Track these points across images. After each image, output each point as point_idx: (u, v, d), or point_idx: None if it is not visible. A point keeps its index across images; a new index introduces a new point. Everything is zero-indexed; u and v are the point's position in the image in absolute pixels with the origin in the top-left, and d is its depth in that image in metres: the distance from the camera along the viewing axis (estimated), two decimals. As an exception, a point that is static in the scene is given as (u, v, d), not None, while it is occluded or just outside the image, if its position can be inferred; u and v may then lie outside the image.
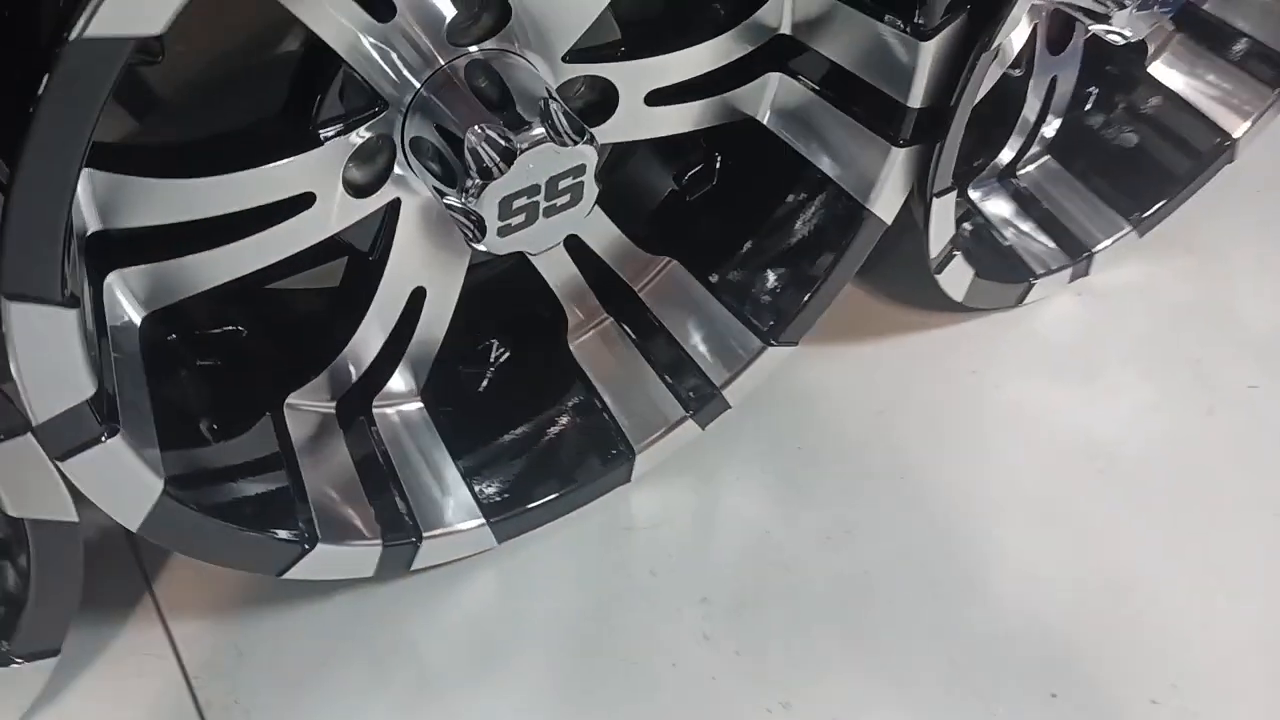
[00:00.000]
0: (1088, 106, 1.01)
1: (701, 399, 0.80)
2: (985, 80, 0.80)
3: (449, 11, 0.59)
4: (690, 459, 0.82)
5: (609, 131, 0.69)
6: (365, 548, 0.69)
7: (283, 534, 0.64)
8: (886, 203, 0.74)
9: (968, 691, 0.73)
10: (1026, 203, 1.00)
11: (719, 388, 0.80)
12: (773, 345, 0.79)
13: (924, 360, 0.93)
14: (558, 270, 0.77)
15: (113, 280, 0.57)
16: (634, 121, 0.70)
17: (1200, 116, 0.99)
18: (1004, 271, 0.93)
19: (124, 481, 0.52)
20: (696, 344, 0.81)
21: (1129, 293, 0.99)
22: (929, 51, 0.65)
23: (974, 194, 0.98)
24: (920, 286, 0.91)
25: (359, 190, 0.63)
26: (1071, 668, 0.74)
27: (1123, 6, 0.77)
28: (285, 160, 0.58)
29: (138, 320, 0.60)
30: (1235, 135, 0.97)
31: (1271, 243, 1.03)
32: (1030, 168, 1.01)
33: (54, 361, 0.48)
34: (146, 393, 0.57)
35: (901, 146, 0.70)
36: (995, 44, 0.64)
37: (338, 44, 0.57)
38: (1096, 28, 0.80)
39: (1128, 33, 0.80)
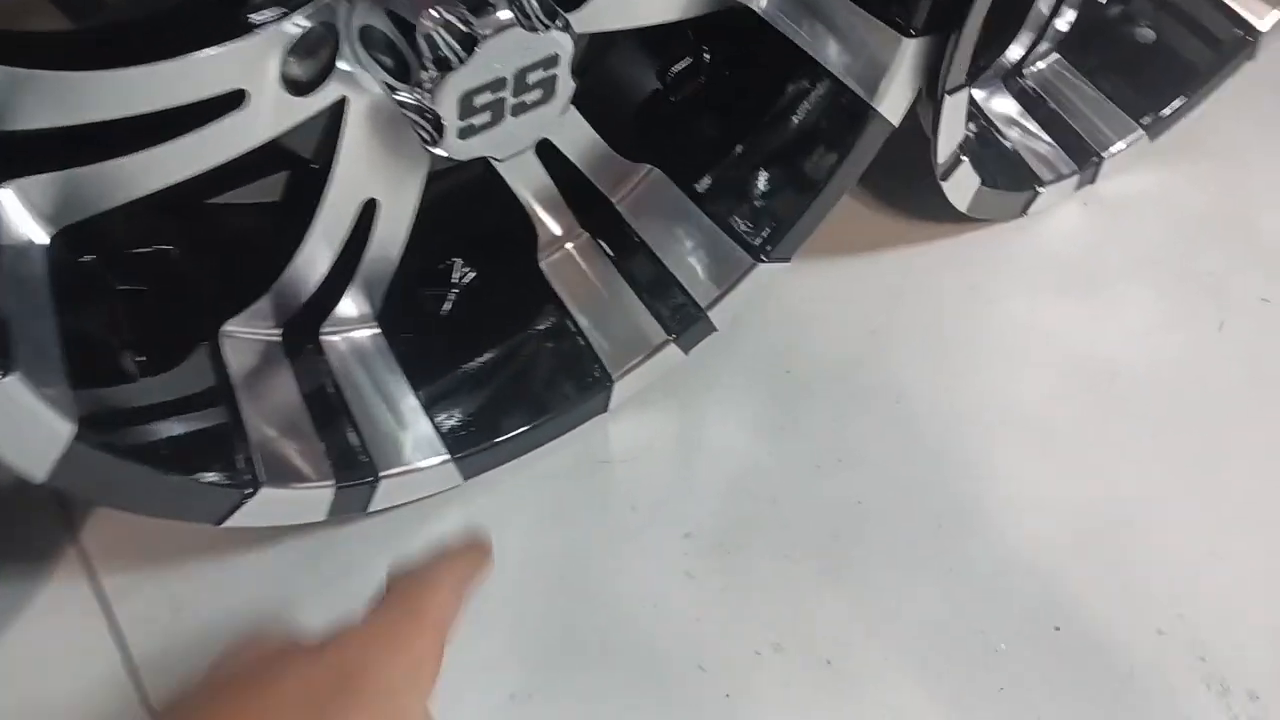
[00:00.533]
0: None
1: (685, 321, 0.73)
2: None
3: None
4: (672, 386, 0.76)
5: (585, 19, 0.60)
6: (315, 490, 0.62)
7: (220, 478, 0.57)
8: (894, 101, 0.66)
9: (967, 627, 0.69)
10: (1033, 104, 0.93)
11: (704, 309, 0.73)
12: (764, 261, 0.72)
13: (920, 275, 0.86)
14: (527, 179, 0.69)
15: (9, 192, 0.49)
16: (612, 7, 0.61)
17: (1223, 7, 0.92)
18: (1009, 179, 0.86)
19: (23, 426, 0.45)
20: (680, 261, 0.74)
21: (1139, 201, 0.93)
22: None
23: (978, 94, 0.91)
24: (917, 195, 0.84)
25: (299, 87, 0.55)
26: (1075, 600, 0.70)
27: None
28: (210, 50, 0.49)
29: (44, 239, 0.52)
30: (1260, 29, 0.90)
31: (1285, 144, 0.97)
32: (1039, 65, 0.94)
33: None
34: (54, 323, 0.49)
35: (913, 36, 0.62)
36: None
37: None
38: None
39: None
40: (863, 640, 0.67)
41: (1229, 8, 0.90)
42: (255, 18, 0.50)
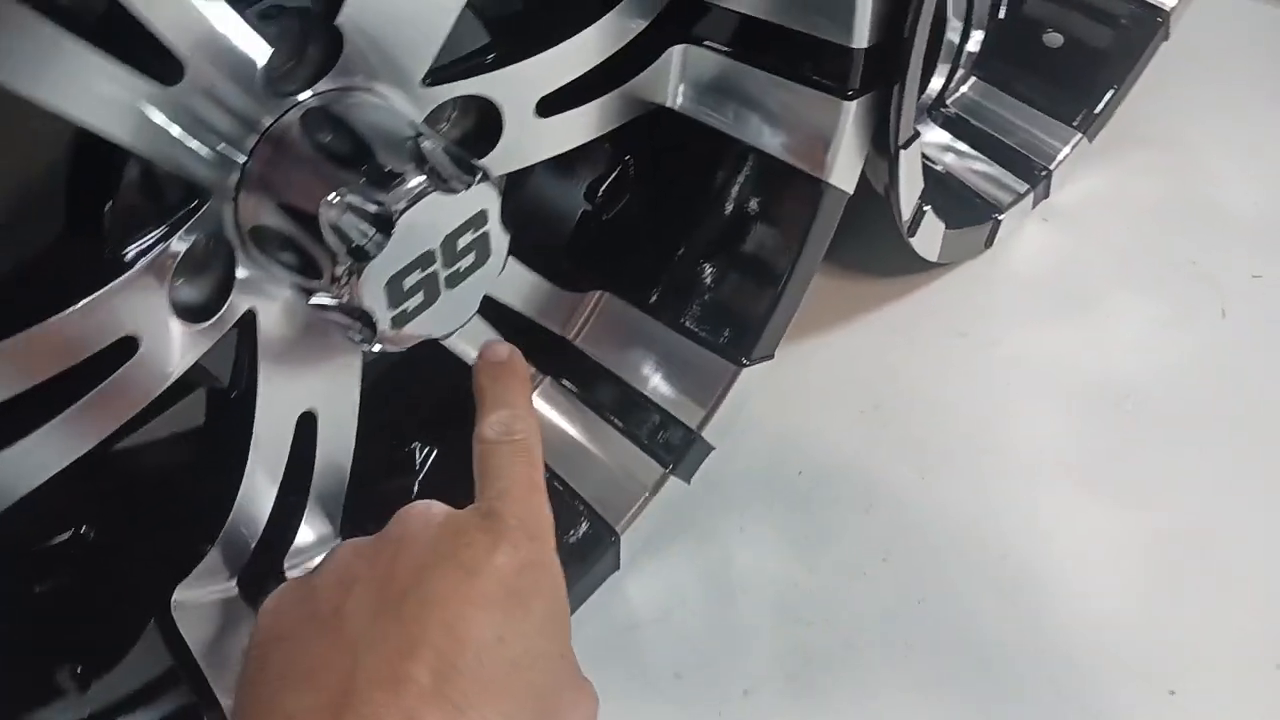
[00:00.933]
0: (1003, 13, 0.90)
1: (679, 448, 0.66)
2: None
3: (261, 54, 0.43)
4: (683, 520, 0.68)
5: (500, 159, 0.54)
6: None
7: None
8: (845, 168, 0.61)
9: (1080, 712, 0.60)
10: (966, 131, 0.89)
11: (696, 430, 0.66)
12: (746, 364, 0.66)
13: (905, 333, 0.81)
14: (471, 341, 0.62)
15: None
16: (527, 141, 0.55)
17: (1126, -5, 0.90)
18: (967, 215, 0.82)
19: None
20: (657, 385, 0.67)
21: (1097, 204, 0.89)
22: (866, -25, 0.52)
23: (910, 135, 0.87)
24: (876, 252, 0.79)
25: (196, 313, 0.47)
26: (1181, 653, 0.63)
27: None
28: (80, 304, 0.42)
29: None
30: (1167, 6, 0.88)
31: (1228, 120, 0.95)
32: (961, 91, 0.90)
33: None
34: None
35: (852, 99, 0.57)
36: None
37: (116, 129, 0.41)
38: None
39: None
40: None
41: (1134, -5, 0.88)
42: (127, 251, 0.43)
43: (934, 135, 0.88)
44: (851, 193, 0.63)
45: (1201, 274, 0.83)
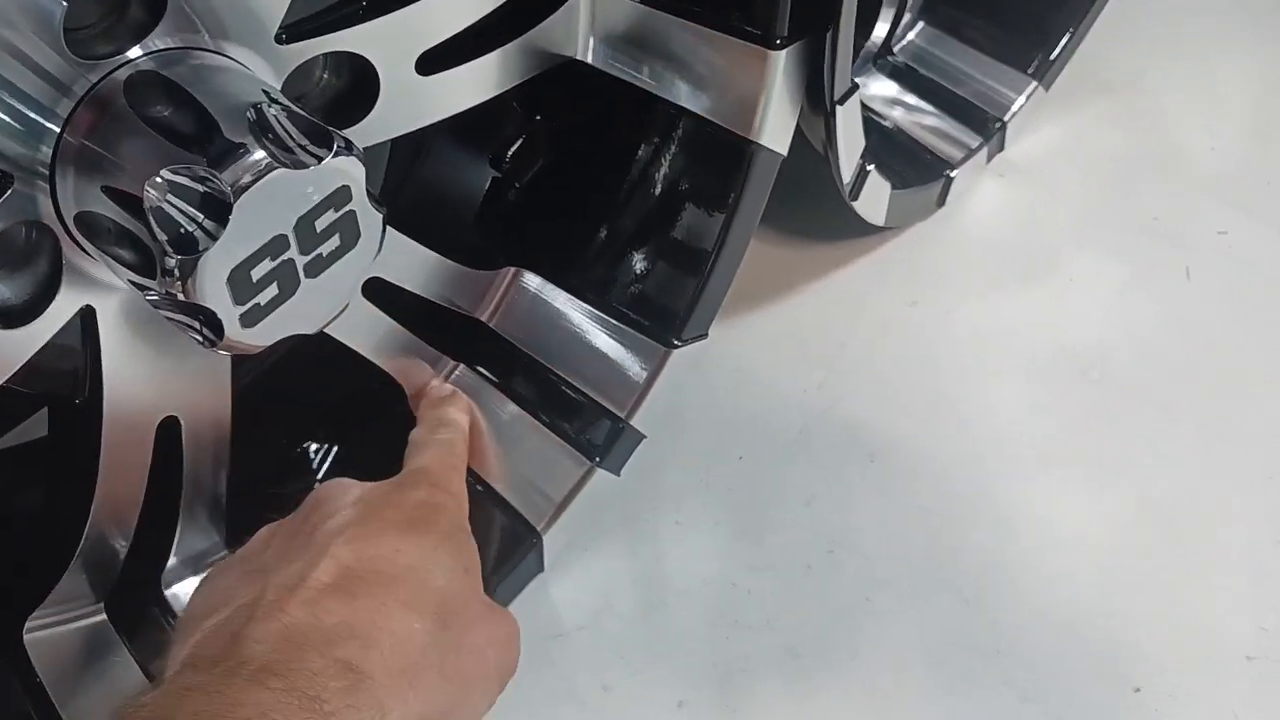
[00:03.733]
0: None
1: (606, 438, 0.60)
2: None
3: (57, 6, 0.36)
4: (614, 515, 0.63)
5: (378, 126, 0.47)
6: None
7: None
8: (776, 128, 0.54)
9: (1041, 715, 0.56)
10: (915, 82, 0.83)
11: (624, 418, 0.60)
12: (678, 345, 0.60)
13: (851, 305, 0.75)
14: (364, 332, 0.55)
15: None
16: (409, 102, 0.48)
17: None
18: (917, 173, 0.76)
19: None
20: (580, 369, 0.61)
21: (1055, 158, 0.84)
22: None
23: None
24: (817, 214, 0.73)
25: (16, 314, 0.41)
26: (1147, 645, 0.58)
27: None
28: None
29: None
30: (1125, -56, 0.82)
31: (1189, 64, 0.89)
32: (908, 38, 0.84)
33: None
34: None
35: (780, 47, 0.51)
36: None
37: None
38: None
39: None
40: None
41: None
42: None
43: (879, 87, 0.82)
44: (785, 154, 0.56)
45: (1165, 232, 0.78)
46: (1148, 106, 0.86)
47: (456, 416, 0.55)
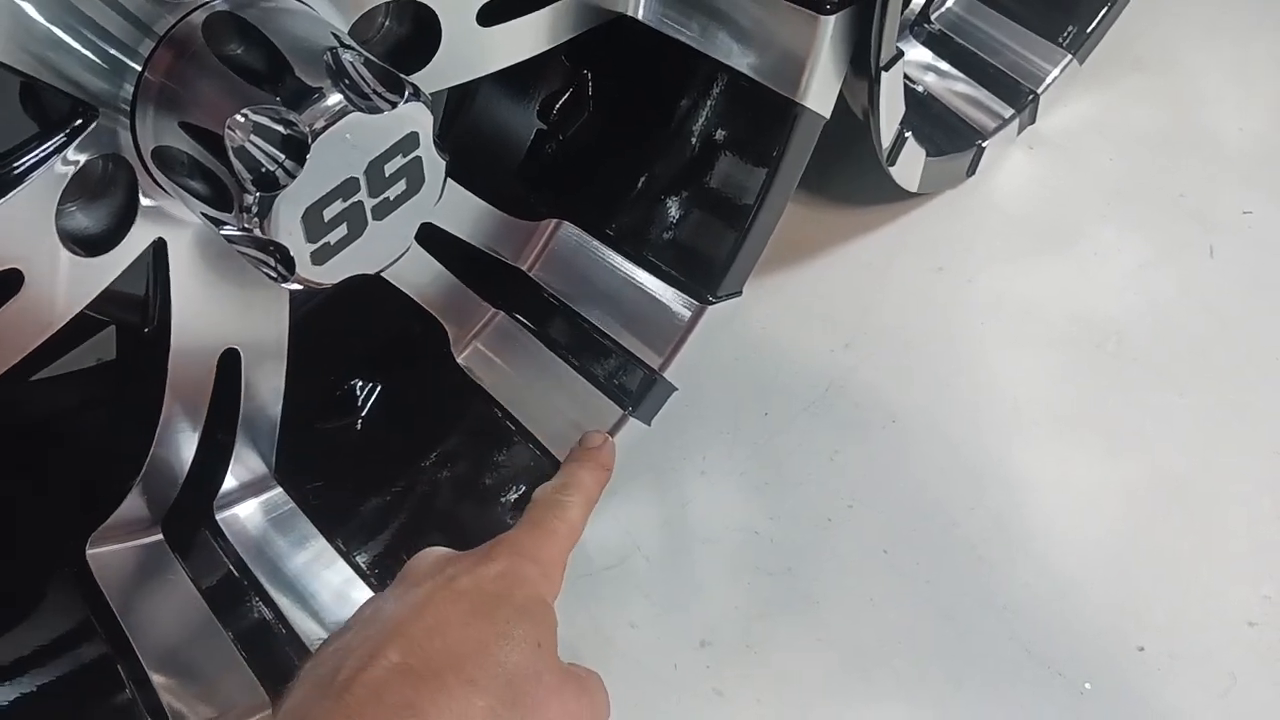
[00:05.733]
0: (995, -78, 0.84)
1: (639, 388, 0.62)
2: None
3: (152, -57, 0.38)
4: (643, 463, 0.65)
5: (437, 75, 0.49)
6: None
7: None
8: (821, 90, 0.56)
9: (1044, 669, 0.59)
10: (952, 51, 0.84)
11: (657, 370, 0.62)
12: (713, 301, 0.61)
13: (879, 269, 0.77)
14: (415, 275, 0.57)
15: None
16: (469, 54, 0.50)
17: (1123, -94, 0.84)
18: (949, 141, 0.77)
19: None
20: (617, 320, 0.63)
21: (1085, 132, 0.85)
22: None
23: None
24: (848, 180, 0.75)
25: (92, 244, 0.42)
26: (1154, 608, 0.61)
27: None
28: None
29: None
30: (1169, -79, 0.82)
31: (1223, 44, 0.90)
32: (946, 6, 0.84)
33: None
34: None
35: (830, 12, 0.52)
36: None
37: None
38: None
39: None
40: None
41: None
42: (8, 169, 0.38)
43: (916, 53, 0.83)
44: (828, 117, 0.58)
45: (1190, 210, 0.79)
46: (1180, 86, 0.87)
47: (586, 479, 0.52)
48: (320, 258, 0.41)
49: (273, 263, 0.40)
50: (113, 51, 0.40)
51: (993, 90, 0.82)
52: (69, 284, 0.41)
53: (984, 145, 0.78)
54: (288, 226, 0.39)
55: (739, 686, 0.58)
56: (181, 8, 0.40)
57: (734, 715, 0.57)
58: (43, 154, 0.39)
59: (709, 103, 0.60)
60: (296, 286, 0.42)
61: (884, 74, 0.55)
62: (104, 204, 0.43)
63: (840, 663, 0.59)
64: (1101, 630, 0.59)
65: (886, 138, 0.61)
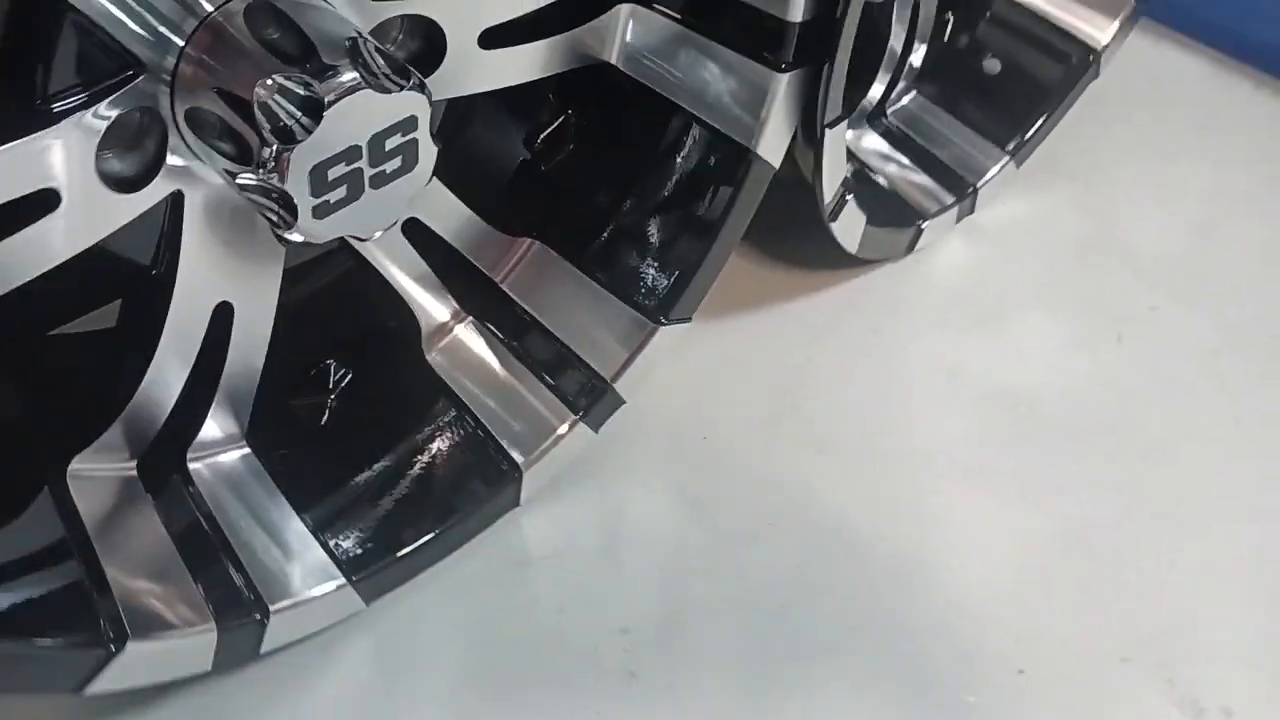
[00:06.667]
0: (949, 33, 0.95)
1: (591, 397, 0.68)
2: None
3: (207, -61, 0.45)
4: (587, 468, 0.70)
5: (440, 84, 0.56)
6: (195, 636, 0.54)
7: (76, 638, 0.49)
8: (772, 142, 0.64)
9: (934, 684, 0.64)
10: (902, 142, 0.93)
11: (609, 381, 0.68)
12: (664, 324, 0.68)
13: (822, 324, 0.84)
14: (400, 262, 0.64)
15: None
16: (468, 69, 0.57)
17: (1062, 32, 0.95)
18: (893, 216, 0.86)
19: None
20: (577, 334, 0.70)
21: (1017, 228, 0.94)
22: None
23: (849, 136, 0.91)
24: (803, 244, 0.83)
25: (122, 184, 0.49)
26: (1036, 639, 0.66)
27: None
28: (6, 145, 0.43)
29: None
30: (1099, 46, 0.93)
31: (1146, 160, 1.00)
32: (901, 103, 0.94)
33: None
34: None
35: (785, 71, 0.61)
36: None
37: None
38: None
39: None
40: (829, 717, 0.62)
41: (1066, 29, 0.93)
42: (57, 105, 0.45)
43: (872, 142, 0.92)
44: (777, 167, 0.66)
45: (1104, 302, 0.87)
46: (1104, 196, 0.96)
47: None
48: (320, 213, 0.48)
49: (278, 209, 0.47)
50: (160, 27, 0.47)
51: (937, 179, 0.91)
52: (98, 213, 0.47)
53: (923, 226, 0.87)
54: (296, 178, 0.46)
55: (652, 672, 0.62)
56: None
57: (644, 695, 0.61)
58: (90, 99, 0.46)
59: (675, 146, 0.68)
60: (297, 237, 0.48)
61: (828, 131, 0.63)
62: (137, 153, 0.50)
63: (749, 660, 0.63)
64: (988, 652, 0.65)
65: (829, 193, 0.69)
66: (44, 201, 0.45)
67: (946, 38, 0.94)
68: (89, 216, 0.47)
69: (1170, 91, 1.06)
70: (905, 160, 0.92)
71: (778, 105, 0.62)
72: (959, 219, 0.92)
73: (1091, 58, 0.93)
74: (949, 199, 0.90)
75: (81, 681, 0.50)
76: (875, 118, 0.93)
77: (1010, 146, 0.93)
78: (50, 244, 0.46)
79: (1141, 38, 1.00)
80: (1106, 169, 0.99)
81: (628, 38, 0.65)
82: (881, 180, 0.89)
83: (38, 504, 0.53)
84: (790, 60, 0.60)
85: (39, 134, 0.44)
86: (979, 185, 0.91)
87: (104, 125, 0.46)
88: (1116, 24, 0.93)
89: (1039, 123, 0.93)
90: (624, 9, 0.63)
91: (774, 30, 0.59)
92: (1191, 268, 0.91)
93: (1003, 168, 0.92)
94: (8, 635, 0.46)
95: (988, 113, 0.94)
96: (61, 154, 0.45)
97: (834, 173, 0.69)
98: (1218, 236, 0.95)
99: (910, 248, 0.88)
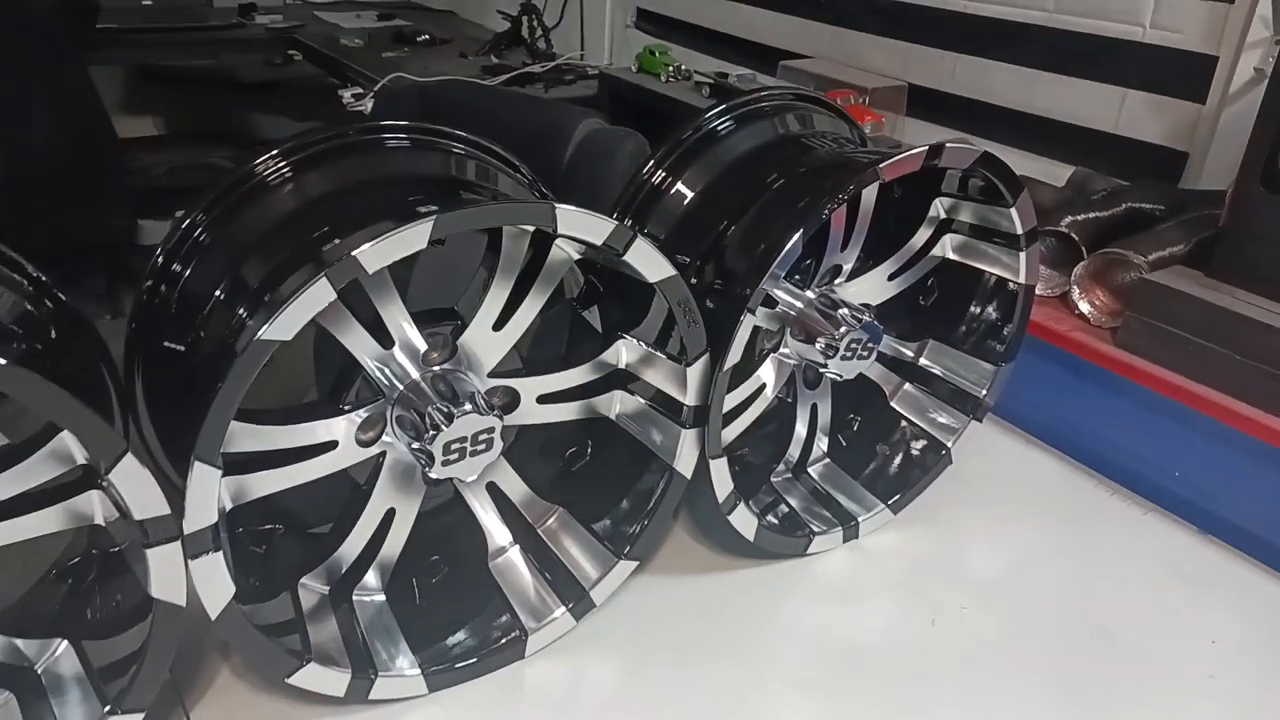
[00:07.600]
0: (853, 429, 1.51)
1: (576, 596, 1.20)
2: (760, 401, 1.30)
3: (422, 346, 1.09)
4: (568, 645, 1.20)
5: (514, 418, 1.17)
6: (340, 673, 1.06)
7: (291, 648, 1.02)
8: (685, 463, 1.20)
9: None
10: (812, 489, 1.46)
11: (588, 589, 1.21)
12: (622, 559, 1.21)
13: (732, 584, 1.33)
14: (484, 505, 1.21)
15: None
16: (530, 413, 1.18)
17: (928, 435, 1.49)
18: (789, 527, 1.37)
19: (216, 583, 0.93)
20: (575, 561, 1.23)
21: (888, 550, 1.43)
22: (694, 373, 1.16)
23: (775, 482, 1.45)
24: (728, 535, 1.35)
25: (363, 444, 1.09)
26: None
27: (830, 358, 1.29)
28: (322, 421, 1.05)
29: (225, 505, 1.03)
30: (949, 447, 1.47)
31: (984, 517, 1.49)
32: (816, 466, 1.49)
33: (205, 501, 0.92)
34: (228, 548, 0.98)
35: (686, 428, 1.18)
36: (726, 367, 1.14)
37: (361, 359, 1.06)
38: (823, 370, 1.32)
39: (841, 374, 1.31)
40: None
41: (929, 433, 1.48)
42: (345, 408, 1.07)
43: (791, 488, 1.45)
44: (689, 478, 1.21)
45: (931, 600, 1.33)
46: (953, 535, 1.45)
47: None
48: (445, 464, 1.06)
49: (427, 459, 1.06)
50: (395, 381, 1.10)
51: (833, 515, 1.43)
52: (351, 455, 1.08)
53: (814, 536, 1.38)
54: (439, 446, 1.05)
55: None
56: (423, 370, 1.10)
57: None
58: (358, 406, 1.08)
59: (640, 463, 1.25)
60: (433, 475, 1.07)
61: (712, 461, 1.19)
62: (371, 430, 1.11)
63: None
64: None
65: (721, 496, 1.23)
66: (330, 445, 1.06)
67: (852, 430, 1.50)
68: (345, 456, 1.08)
69: (1010, 470, 1.58)
70: (812, 502, 1.44)
71: (686, 444, 1.19)
72: (845, 540, 1.42)
73: (944, 452, 1.47)
74: (838, 530, 1.40)
75: (287, 674, 1.02)
76: (798, 473, 1.48)
77: (891, 502, 1.45)
78: (327, 465, 1.06)
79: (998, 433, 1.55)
80: (960, 521, 1.48)
81: (619, 406, 1.24)
82: (793, 510, 1.42)
83: (284, 594, 1.09)
84: (688, 423, 1.18)
85: (335, 418, 1.05)
86: (861, 521, 1.42)
87: (361, 418, 1.08)
88: (959, 434, 1.47)
89: (909, 490, 1.45)
90: (617, 392, 1.24)
91: (680, 408, 1.18)
92: (997, 588, 1.37)
93: (880, 512, 1.44)
94: (266, 634, 1.00)
95: (877, 479, 1.47)
96: (342, 427, 1.06)
97: (722, 483, 1.23)
98: (1024, 572, 1.41)
99: (805, 550, 1.38)
